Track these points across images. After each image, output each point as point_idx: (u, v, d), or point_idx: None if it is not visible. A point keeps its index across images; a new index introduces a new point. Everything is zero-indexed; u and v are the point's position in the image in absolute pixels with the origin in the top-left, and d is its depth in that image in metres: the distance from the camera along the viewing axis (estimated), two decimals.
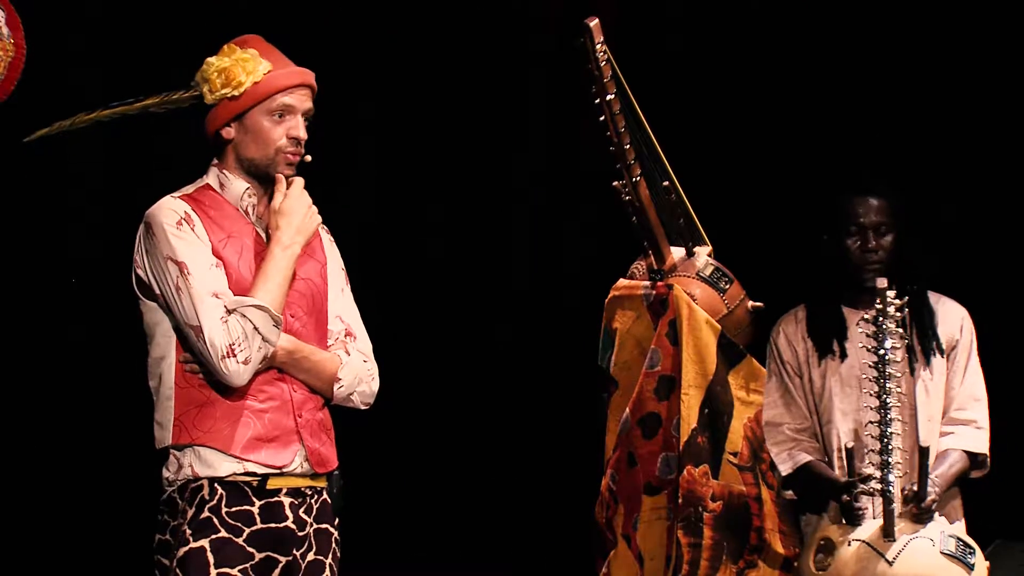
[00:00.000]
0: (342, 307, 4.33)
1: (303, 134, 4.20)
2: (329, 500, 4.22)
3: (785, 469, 4.80)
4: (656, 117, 4.71)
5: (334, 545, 4.20)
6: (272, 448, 4.11)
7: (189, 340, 4.07)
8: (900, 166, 5.88)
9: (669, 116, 5.29)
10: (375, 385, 4.30)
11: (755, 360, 4.74)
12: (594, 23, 4.55)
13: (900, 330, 4.57)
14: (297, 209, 4.18)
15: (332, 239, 4.38)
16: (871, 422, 4.55)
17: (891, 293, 4.54)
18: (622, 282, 4.81)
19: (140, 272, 4.15)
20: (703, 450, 4.62)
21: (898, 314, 4.54)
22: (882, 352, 4.54)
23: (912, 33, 6.11)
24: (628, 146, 4.60)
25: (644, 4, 6.28)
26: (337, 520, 4.22)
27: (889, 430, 4.53)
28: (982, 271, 5.86)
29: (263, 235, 4.21)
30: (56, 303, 5.91)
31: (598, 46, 4.54)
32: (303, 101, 4.22)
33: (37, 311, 5.90)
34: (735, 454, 4.65)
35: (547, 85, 6.31)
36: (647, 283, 4.72)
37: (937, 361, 4.83)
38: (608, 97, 4.55)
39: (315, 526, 4.17)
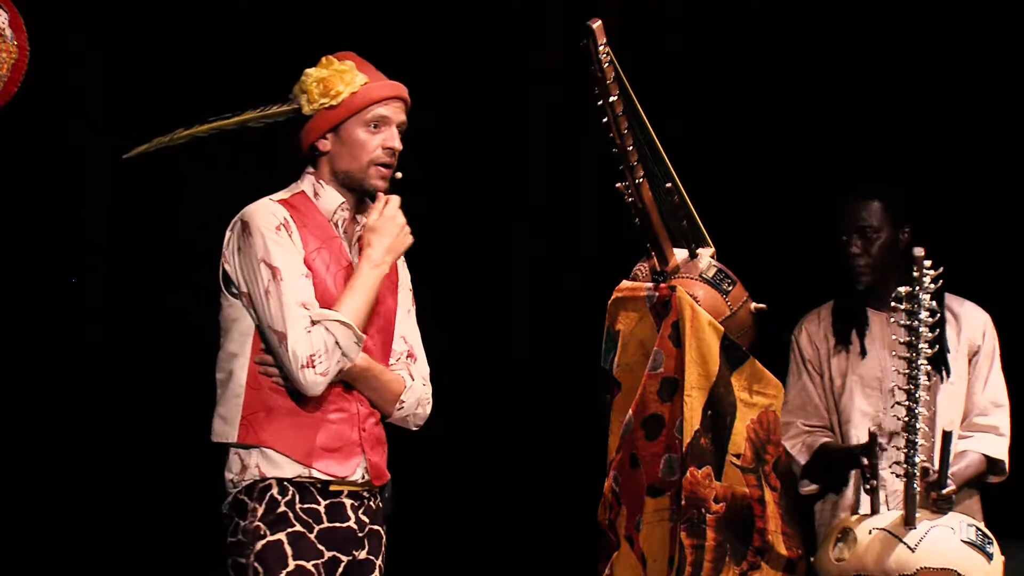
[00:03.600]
0: (407, 328, 4.41)
1: (398, 145, 4.27)
2: (380, 503, 4.30)
3: (803, 459, 4.84)
4: (659, 119, 4.71)
5: (383, 547, 4.28)
6: (336, 459, 4.17)
7: (271, 343, 4.12)
8: (909, 165, 5.87)
9: (672, 118, 5.29)
10: (428, 409, 4.42)
11: (758, 362, 4.74)
12: (597, 24, 4.54)
13: (934, 303, 4.56)
14: (390, 228, 4.24)
15: (404, 259, 4.43)
16: (898, 402, 4.55)
17: (928, 262, 4.53)
18: (625, 284, 4.81)
19: (228, 268, 4.19)
20: (706, 452, 4.61)
21: (933, 285, 4.53)
22: (916, 324, 4.52)
23: (916, 30, 6.10)
24: (631, 148, 4.60)
25: (645, 4, 6.27)
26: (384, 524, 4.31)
27: (918, 409, 4.52)
28: (1001, 272, 5.84)
29: (348, 250, 4.27)
30: (65, 302, 5.91)
31: (601, 48, 4.54)
32: (398, 113, 4.28)
33: (41, 311, 5.89)
34: (738, 455, 4.65)
35: (548, 86, 6.30)
36: (650, 285, 4.72)
37: (958, 366, 4.83)
38: (611, 99, 4.55)
39: (370, 527, 4.24)
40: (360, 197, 4.30)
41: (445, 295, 6.29)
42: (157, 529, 5.92)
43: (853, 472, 4.87)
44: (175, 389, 5.85)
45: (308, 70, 4.25)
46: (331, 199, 4.26)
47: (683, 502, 4.58)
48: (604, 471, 4.73)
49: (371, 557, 4.22)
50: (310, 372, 4.08)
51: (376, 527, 4.25)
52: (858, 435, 4.84)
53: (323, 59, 4.27)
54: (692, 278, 4.71)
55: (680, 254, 4.77)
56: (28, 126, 5.62)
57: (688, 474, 4.59)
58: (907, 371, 4.53)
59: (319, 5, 6.06)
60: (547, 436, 6.24)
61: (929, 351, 4.56)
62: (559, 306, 6.30)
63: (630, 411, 4.66)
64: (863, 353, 4.87)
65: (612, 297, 4.80)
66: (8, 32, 4.82)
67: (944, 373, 4.84)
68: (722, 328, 4.66)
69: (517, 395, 6.28)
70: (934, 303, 4.55)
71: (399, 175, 4.29)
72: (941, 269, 4.57)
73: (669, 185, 4.70)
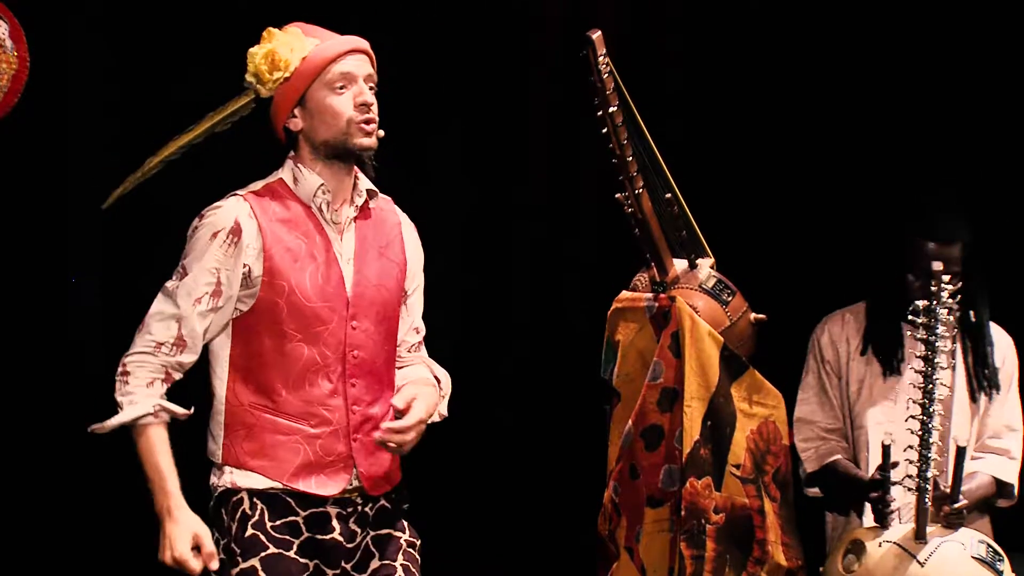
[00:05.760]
0: (417, 312, 4.25)
1: (370, 99, 3.98)
2: (390, 505, 4.10)
3: (811, 466, 4.85)
4: (658, 129, 4.71)
5: (406, 547, 4.10)
6: (321, 477, 3.97)
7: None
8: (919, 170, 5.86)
9: (671, 128, 5.29)
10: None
11: (757, 372, 4.74)
12: (596, 35, 4.54)
13: (951, 318, 4.58)
14: None
15: (416, 236, 4.25)
16: (913, 416, 4.56)
17: (947, 277, 4.54)
18: (625, 294, 4.81)
19: None
20: (706, 462, 4.61)
21: (951, 300, 4.55)
22: (933, 339, 4.54)
23: (916, 30, 6.11)
24: (631, 158, 4.60)
25: (644, 9, 6.27)
26: (407, 524, 4.12)
27: (932, 424, 4.53)
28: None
29: (332, 237, 4.01)
30: (64, 309, 5.91)
31: (600, 58, 4.54)
32: (361, 66, 4.00)
33: (40, 315, 5.90)
34: (738, 466, 4.65)
35: (548, 96, 6.30)
36: (649, 295, 4.72)
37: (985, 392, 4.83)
38: (611, 109, 4.55)
39: (372, 534, 4.05)
40: (349, 160, 4.02)
41: (443, 305, 6.29)
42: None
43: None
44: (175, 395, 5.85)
45: (251, 49, 3.97)
46: (311, 183, 3.97)
47: (683, 513, 4.58)
48: (604, 482, 4.72)
49: (388, 561, 4.05)
50: (120, 381, 3.93)
51: (385, 532, 4.08)
52: (868, 441, 4.83)
53: (264, 33, 3.99)
54: (692, 288, 4.72)
55: (680, 264, 4.78)
56: (28, 137, 5.62)
57: (688, 485, 4.59)
58: (923, 385, 4.55)
59: (320, 6, 6.06)
60: (547, 446, 6.23)
61: (945, 366, 4.58)
62: (559, 316, 6.30)
63: (630, 421, 4.66)
64: (891, 370, 4.84)
65: (612, 307, 4.80)
66: (8, 43, 4.83)
67: (994, 390, 4.84)
68: (722, 339, 4.67)
69: (517, 405, 6.28)
70: (951, 318, 4.56)
71: (381, 133, 4.02)
72: (959, 284, 4.58)
73: (669, 196, 4.71)
